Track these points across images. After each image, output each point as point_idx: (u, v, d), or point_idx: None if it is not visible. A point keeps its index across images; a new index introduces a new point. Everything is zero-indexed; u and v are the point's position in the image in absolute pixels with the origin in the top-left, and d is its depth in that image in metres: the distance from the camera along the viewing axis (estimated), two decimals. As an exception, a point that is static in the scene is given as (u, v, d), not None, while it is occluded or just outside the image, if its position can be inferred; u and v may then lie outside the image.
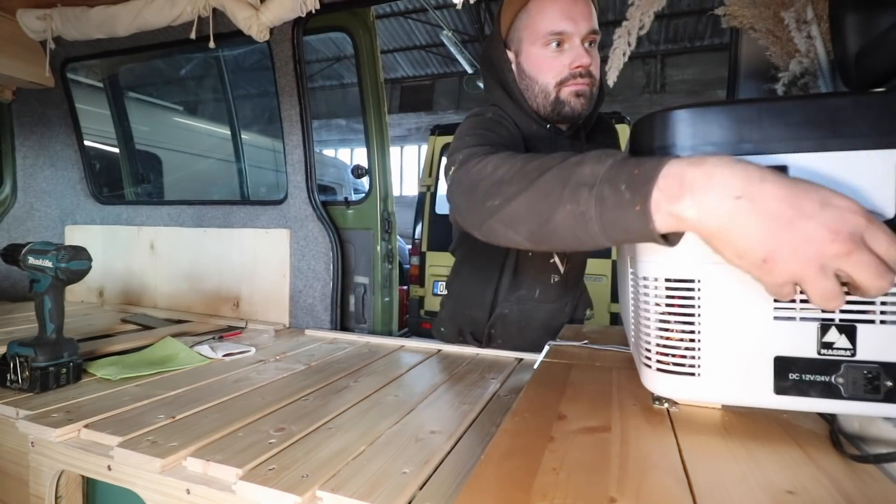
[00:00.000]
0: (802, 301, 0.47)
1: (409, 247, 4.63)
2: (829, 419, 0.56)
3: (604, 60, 1.02)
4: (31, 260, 0.87)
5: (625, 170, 0.45)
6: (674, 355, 0.52)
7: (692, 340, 0.51)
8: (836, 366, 0.46)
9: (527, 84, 0.96)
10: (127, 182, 2.37)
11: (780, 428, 0.55)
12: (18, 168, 1.90)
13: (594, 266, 3.69)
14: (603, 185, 0.46)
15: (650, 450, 0.49)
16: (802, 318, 0.47)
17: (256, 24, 1.41)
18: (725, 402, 0.54)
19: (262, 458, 0.59)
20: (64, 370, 0.85)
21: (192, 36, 1.50)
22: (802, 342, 0.47)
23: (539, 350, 0.89)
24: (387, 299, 1.91)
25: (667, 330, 0.52)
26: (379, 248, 1.85)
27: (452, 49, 8.05)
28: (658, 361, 0.53)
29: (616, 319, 3.86)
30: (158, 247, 1.70)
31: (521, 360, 1.07)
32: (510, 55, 0.98)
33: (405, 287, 4.39)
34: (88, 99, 2.14)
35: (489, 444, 0.51)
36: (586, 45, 0.91)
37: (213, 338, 1.26)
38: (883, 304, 0.45)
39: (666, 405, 0.62)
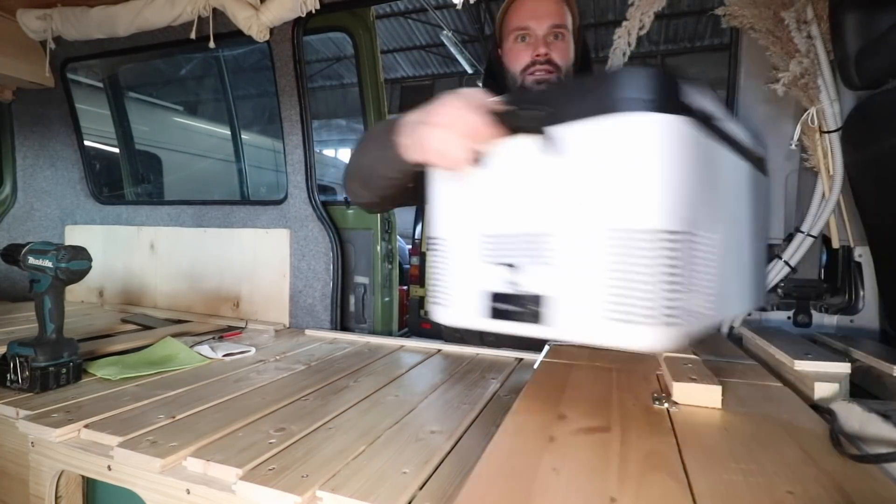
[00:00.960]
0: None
1: (409, 247, 4.63)
2: (829, 419, 0.56)
3: (603, 60, 1.03)
4: (31, 260, 0.87)
5: (402, 120, 0.71)
6: (437, 292, 0.67)
7: (443, 281, 0.66)
8: (517, 298, 0.59)
9: (504, 74, 1.08)
10: (127, 182, 2.37)
11: (780, 428, 0.55)
12: (18, 168, 1.91)
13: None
14: (396, 130, 0.71)
15: (650, 450, 0.49)
16: (498, 263, 0.60)
17: (256, 24, 1.41)
18: (464, 325, 0.66)
19: (262, 458, 0.59)
20: (64, 370, 0.85)
21: (192, 36, 1.50)
22: (499, 279, 0.60)
23: (538, 346, 0.89)
24: (387, 299, 1.91)
25: (432, 274, 0.68)
26: (379, 248, 1.84)
27: (452, 49, 8.05)
28: (431, 297, 0.69)
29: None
30: (158, 247, 1.70)
31: (521, 360, 1.07)
32: (500, 52, 1.11)
33: (405, 287, 4.39)
34: (88, 99, 2.14)
35: (489, 444, 0.51)
36: (550, 38, 1.02)
37: (213, 338, 1.26)
38: (546, 252, 0.55)
39: (666, 405, 0.62)
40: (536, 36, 1.01)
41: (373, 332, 1.75)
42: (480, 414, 0.76)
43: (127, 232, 1.76)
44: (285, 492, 0.52)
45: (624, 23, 1.00)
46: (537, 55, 1.01)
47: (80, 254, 0.89)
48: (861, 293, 1.17)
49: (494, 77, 1.11)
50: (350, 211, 1.88)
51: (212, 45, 1.47)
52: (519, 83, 1.03)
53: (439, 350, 1.19)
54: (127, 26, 1.56)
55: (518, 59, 1.03)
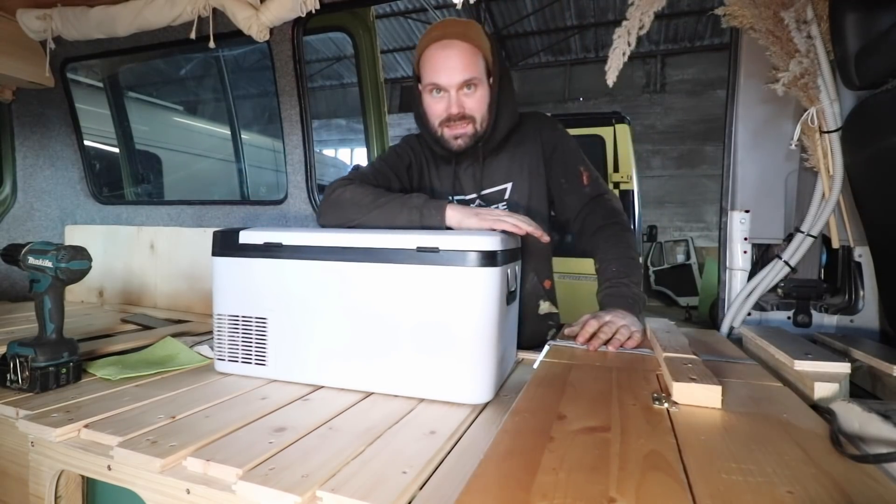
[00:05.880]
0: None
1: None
2: (829, 419, 0.56)
3: (603, 60, 1.03)
4: (31, 260, 0.87)
5: (430, 203, 0.96)
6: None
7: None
8: None
9: (426, 118, 1.10)
10: (127, 182, 2.37)
11: (780, 428, 0.55)
12: (18, 168, 1.90)
13: (586, 266, 3.73)
14: (423, 207, 0.96)
15: (650, 450, 0.49)
16: None
17: (256, 24, 1.41)
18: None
19: (262, 458, 0.59)
20: (64, 370, 0.85)
21: (192, 36, 1.50)
22: None
23: (537, 346, 0.89)
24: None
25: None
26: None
27: (452, 49, 8.03)
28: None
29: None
30: (158, 247, 1.70)
31: (521, 360, 1.07)
32: (420, 96, 1.11)
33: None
34: (88, 99, 2.14)
35: (489, 444, 0.51)
36: (462, 92, 1.03)
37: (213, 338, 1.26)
38: None
39: (666, 405, 0.62)
40: (450, 93, 1.03)
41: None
42: (480, 414, 0.76)
43: (127, 232, 1.76)
44: (285, 492, 0.51)
45: (624, 22, 1.00)
46: (451, 113, 1.04)
47: (80, 254, 0.89)
48: (861, 293, 1.17)
49: (417, 114, 1.13)
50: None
51: (212, 45, 1.47)
52: (438, 135, 1.09)
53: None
54: (127, 26, 1.56)
55: (435, 112, 1.07)
